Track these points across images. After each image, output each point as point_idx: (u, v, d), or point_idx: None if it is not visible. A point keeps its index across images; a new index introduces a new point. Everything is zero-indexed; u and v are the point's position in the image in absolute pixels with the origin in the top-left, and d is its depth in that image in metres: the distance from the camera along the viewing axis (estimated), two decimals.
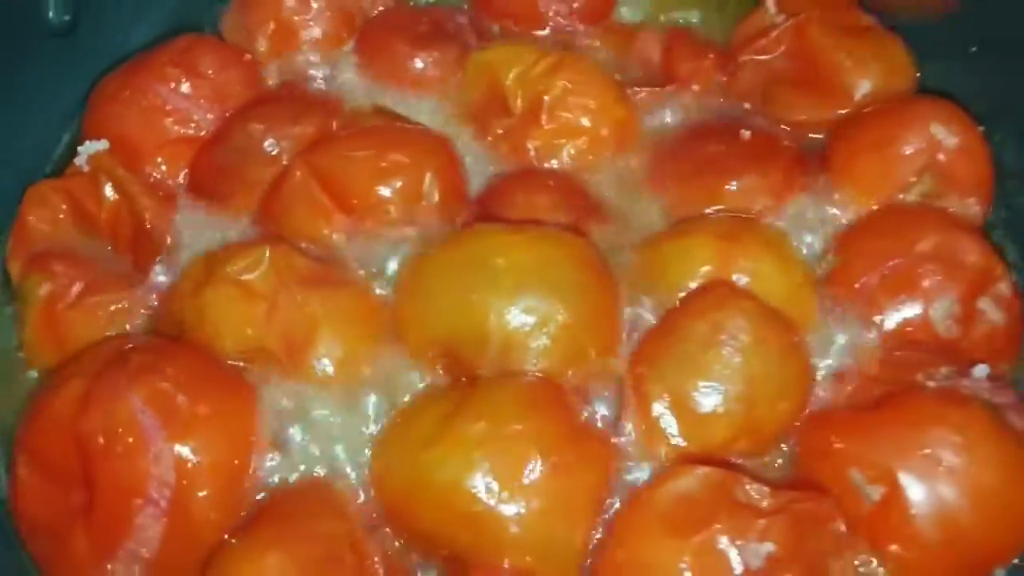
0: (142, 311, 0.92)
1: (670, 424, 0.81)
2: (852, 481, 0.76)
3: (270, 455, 0.82)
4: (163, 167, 1.04)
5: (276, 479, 0.81)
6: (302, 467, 0.82)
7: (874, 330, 0.86)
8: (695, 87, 1.09)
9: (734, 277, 0.86)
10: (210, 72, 1.07)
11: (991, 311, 0.85)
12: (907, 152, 0.94)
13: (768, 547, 0.71)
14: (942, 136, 0.93)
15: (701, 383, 0.80)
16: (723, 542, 0.72)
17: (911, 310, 0.85)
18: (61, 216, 0.97)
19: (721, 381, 0.80)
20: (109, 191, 0.99)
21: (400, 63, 1.10)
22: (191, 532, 0.77)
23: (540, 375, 0.83)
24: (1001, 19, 1.01)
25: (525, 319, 0.82)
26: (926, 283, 0.85)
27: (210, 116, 1.06)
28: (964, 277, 0.86)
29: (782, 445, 0.83)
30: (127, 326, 0.91)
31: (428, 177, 0.96)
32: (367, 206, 0.95)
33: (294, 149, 1.00)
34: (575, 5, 1.15)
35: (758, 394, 0.80)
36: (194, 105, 1.06)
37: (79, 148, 1.03)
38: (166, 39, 1.09)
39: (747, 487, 0.75)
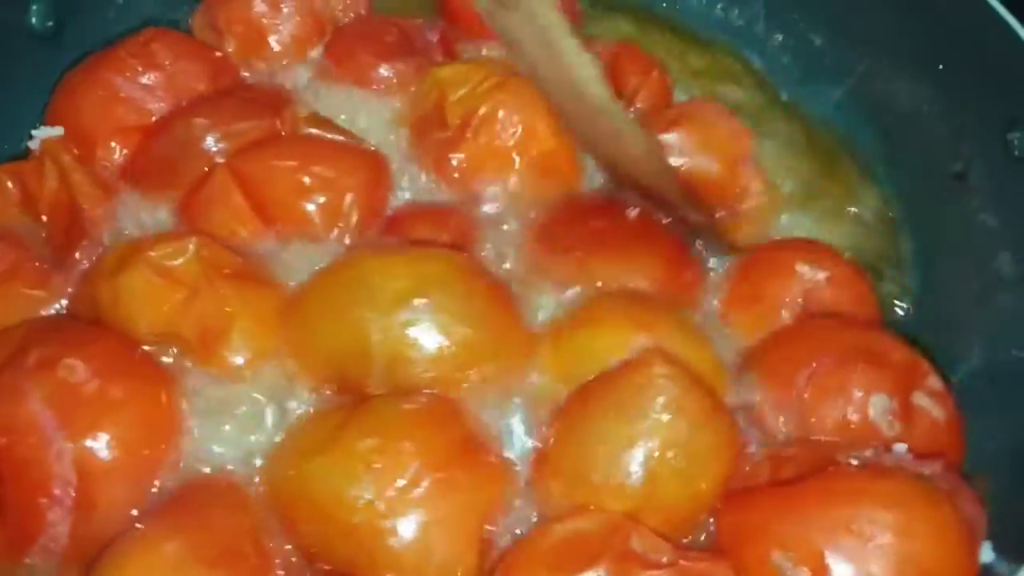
0: (62, 298, 0.91)
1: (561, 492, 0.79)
2: (774, 563, 0.72)
3: (181, 445, 0.82)
4: (115, 156, 1.02)
5: (184, 470, 0.81)
6: (212, 460, 0.82)
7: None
8: (639, 105, 1.09)
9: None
10: (168, 64, 1.05)
11: (929, 406, 0.83)
12: (783, 299, 0.93)
13: None
14: (810, 274, 0.93)
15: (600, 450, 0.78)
16: None
17: (847, 409, 0.82)
18: (9, 199, 0.98)
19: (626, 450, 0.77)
20: (51, 176, 0.97)
21: (363, 71, 1.09)
22: (100, 526, 0.77)
23: (432, 392, 0.82)
24: None
25: (406, 335, 0.81)
26: (857, 381, 0.83)
27: (164, 106, 1.04)
28: (893, 373, 0.84)
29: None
30: (43, 311, 0.90)
31: (349, 197, 0.97)
32: (287, 217, 0.95)
33: (233, 148, 0.98)
34: None
35: (665, 468, 0.77)
36: (150, 95, 1.04)
37: (32, 132, 1.02)
38: None
39: (644, 539, 0.73)
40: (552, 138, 1.03)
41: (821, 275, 0.93)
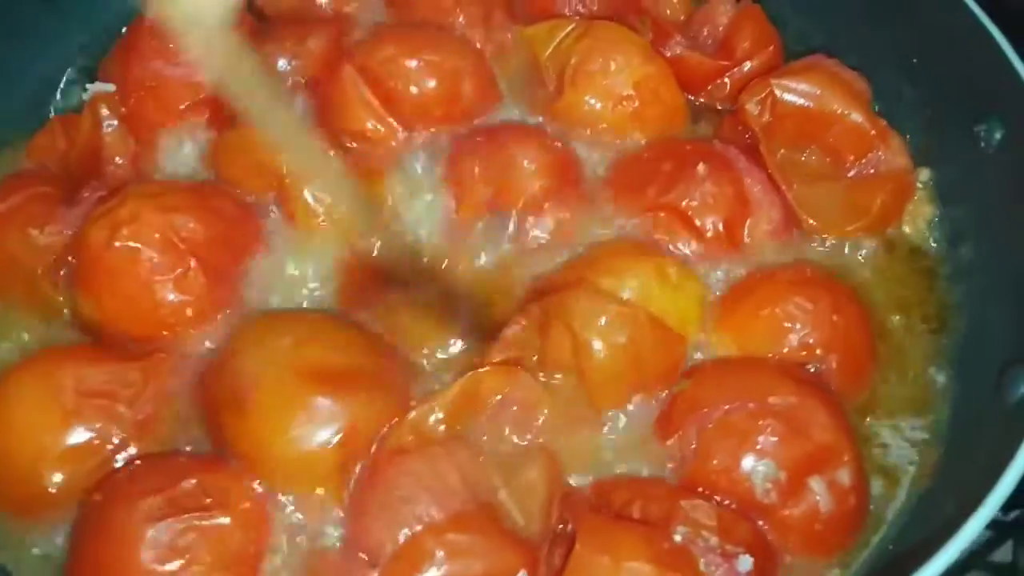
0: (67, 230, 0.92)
1: None
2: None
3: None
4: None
5: None
6: None
7: (679, 457, 0.81)
8: (748, 64, 1.06)
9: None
10: None
11: (821, 495, 0.77)
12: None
13: None
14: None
15: None
16: None
17: (731, 459, 0.78)
18: (57, 145, 1.03)
19: None
20: (86, 125, 1.01)
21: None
22: None
23: None
24: None
25: None
26: (760, 438, 0.77)
27: None
28: (803, 448, 0.77)
29: None
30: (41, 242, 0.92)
31: (466, 80, 1.02)
32: (411, 105, 1.00)
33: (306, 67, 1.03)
34: None
35: None
36: None
37: (87, 86, 1.06)
38: None
39: None
40: (645, 65, 1.02)
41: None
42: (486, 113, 1.05)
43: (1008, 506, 0.84)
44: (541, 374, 0.84)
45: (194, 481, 0.75)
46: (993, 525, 0.91)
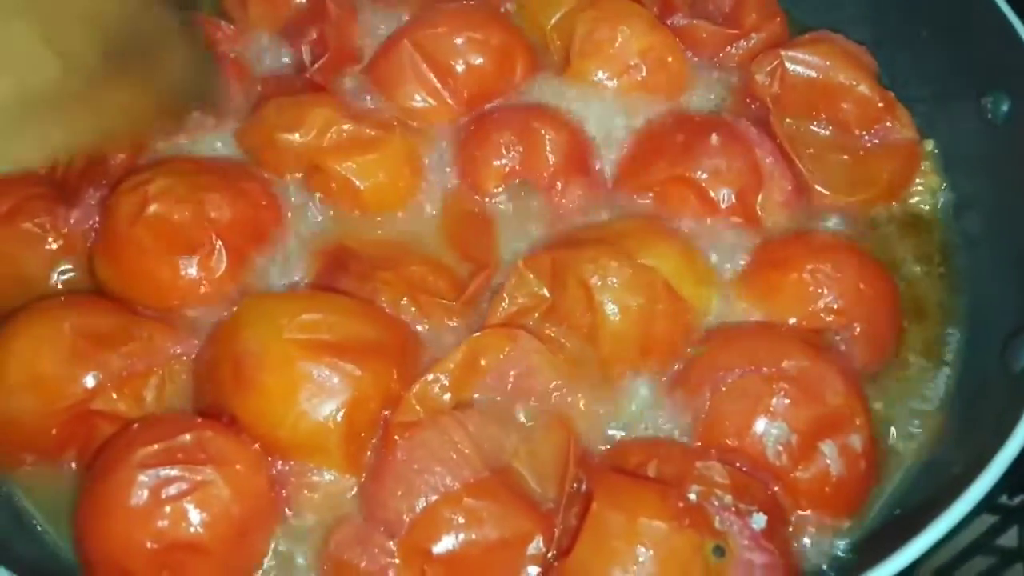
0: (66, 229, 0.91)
1: None
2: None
3: None
4: None
5: None
6: None
7: (692, 419, 0.82)
8: (754, 36, 1.06)
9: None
10: None
11: (832, 459, 0.78)
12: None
13: None
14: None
15: None
16: None
17: (747, 420, 0.79)
18: None
19: None
20: None
21: None
22: None
23: None
24: None
25: None
26: (773, 401, 0.78)
27: None
28: (816, 412, 0.79)
29: None
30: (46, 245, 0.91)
31: (519, 58, 1.04)
32: (463, 80, 1.02)
33: None
34: None
35: None
36: None
37: None
38: None
39: None
40: (650, 34, 1.03)
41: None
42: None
43: (1014, 491, 0.87)
44: (548, 327, 0.85)
45: (192, 435, 0.76)
46: (999, 510, 0.95)
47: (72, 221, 0.91)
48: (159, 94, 0.89)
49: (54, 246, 0.91)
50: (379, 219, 0.96)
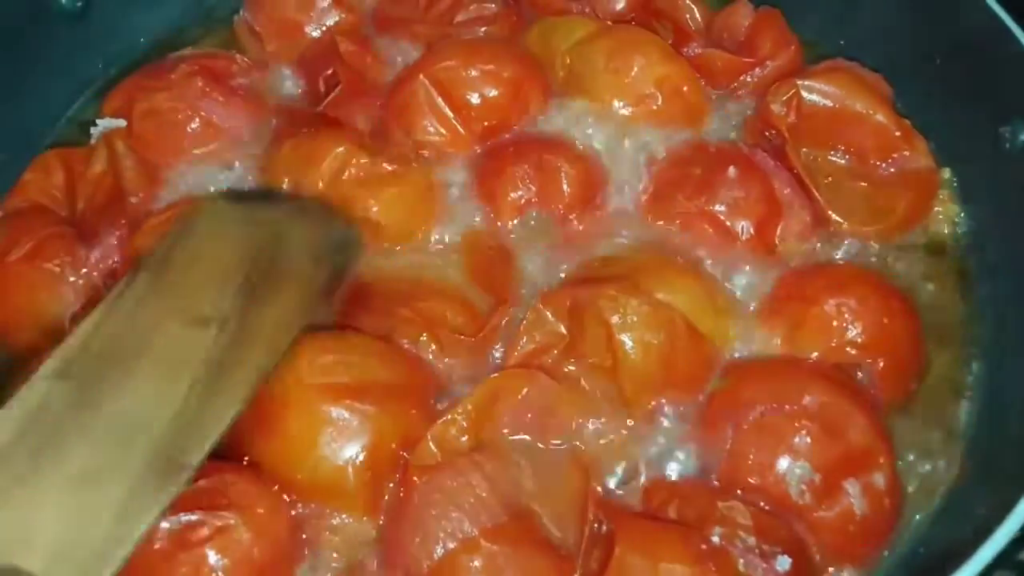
0: (83, 270, 0.92)
1: None
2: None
3: None
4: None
5: None
6: None
7: (715, 457, 0.81)
8: (769, 65, 1.06)
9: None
10: None
11: (856, 497, 0.77)
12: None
13: None
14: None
15: None
16: None
17: (770, 459, 0.78)
18: (53, 180, 1.00)
19: None
20: (99, 161, 0.99)
21: None
22: None
23: None
24: None
25: None
26: (795, 439, 0.78)
27: None
28: (839, 450, 0.78)
29: None
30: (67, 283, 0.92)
31: (529, 88, 1.04)
32: (478, 114, 1.02)
33: None
34: None
35: None
36: None
37: (97, 120, 1.05)
38: (178, 23, 1.18)
39: None
40: (666, 63, 1.04)
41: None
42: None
43: None
44: (567, 364, 0.85)
45: (213, 480, 0.75)
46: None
47: (92, 261, 0.92)
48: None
49: (74, 285, 0.91)
50: (398, 249, 0.96)
